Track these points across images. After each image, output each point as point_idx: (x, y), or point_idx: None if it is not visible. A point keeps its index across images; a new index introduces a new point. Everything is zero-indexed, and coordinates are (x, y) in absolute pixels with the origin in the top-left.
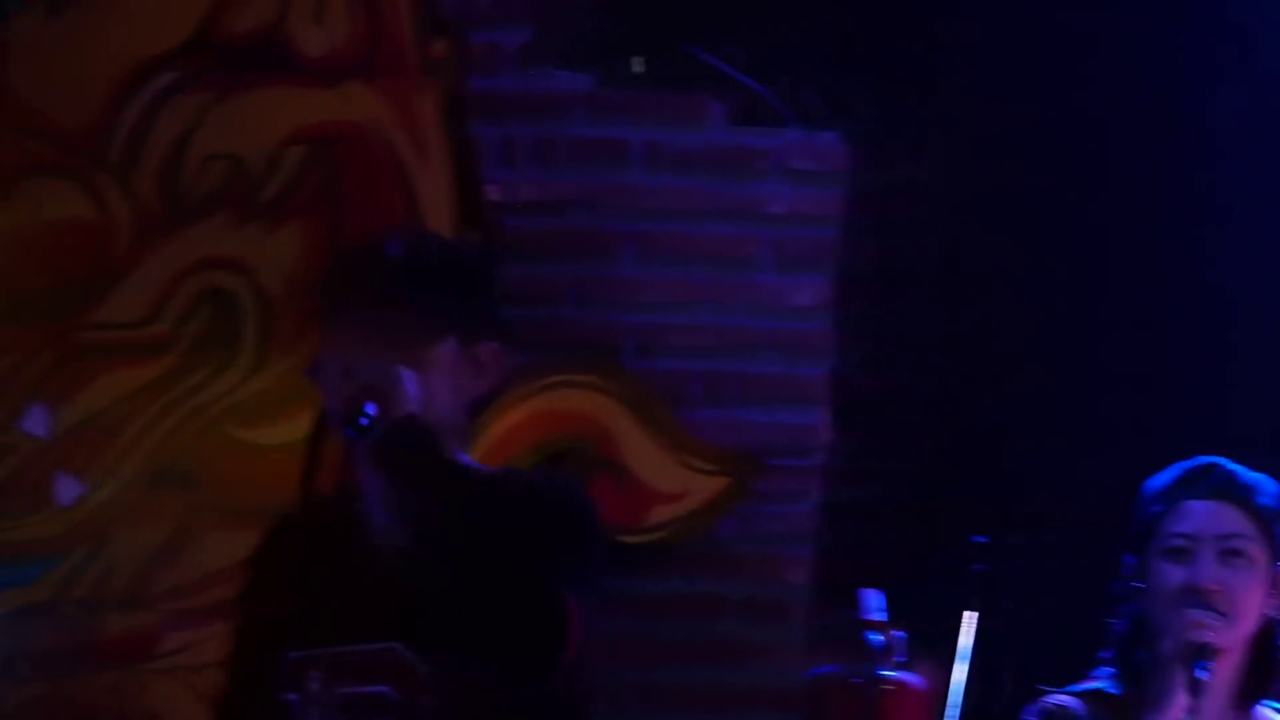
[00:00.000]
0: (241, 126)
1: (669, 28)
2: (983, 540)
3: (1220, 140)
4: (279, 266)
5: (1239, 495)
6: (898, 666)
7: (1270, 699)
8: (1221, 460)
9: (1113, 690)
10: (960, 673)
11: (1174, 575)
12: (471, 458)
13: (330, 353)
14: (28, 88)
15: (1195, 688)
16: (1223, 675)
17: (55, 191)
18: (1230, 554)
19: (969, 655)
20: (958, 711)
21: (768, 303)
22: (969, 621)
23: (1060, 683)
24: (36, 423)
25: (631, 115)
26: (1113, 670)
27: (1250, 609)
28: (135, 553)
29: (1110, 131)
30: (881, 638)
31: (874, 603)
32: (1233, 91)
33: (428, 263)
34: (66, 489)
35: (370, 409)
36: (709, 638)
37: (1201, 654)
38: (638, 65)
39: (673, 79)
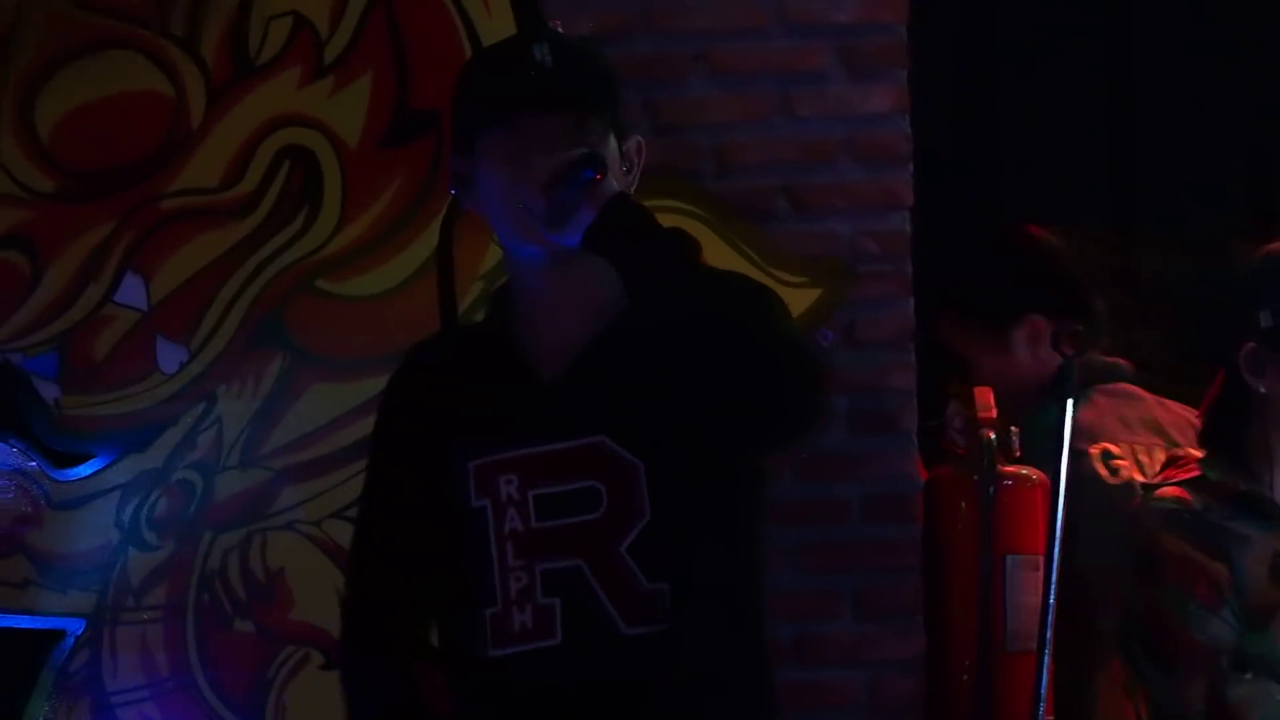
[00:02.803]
0: None
1: None
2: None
3: None
4: (352, 119)
5: None
6: (1013, 462)
7: None
8: None
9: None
10: (1063, 462)
11: None
12: None
13: (492, 164)
14: None
15: None
16: None
17: (123, 64)
18: None
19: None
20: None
21: (841, 111)
22: (1069, 410)
23: None
24: (132, 294)
25: None
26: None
27: None
28: (242, 413)
29: None
30: (994, 434)
31: (982, 400)
32: None
33: (577, 59)
34: (169, 356)
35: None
36: (817, 451)
37: None
38: None
39: None
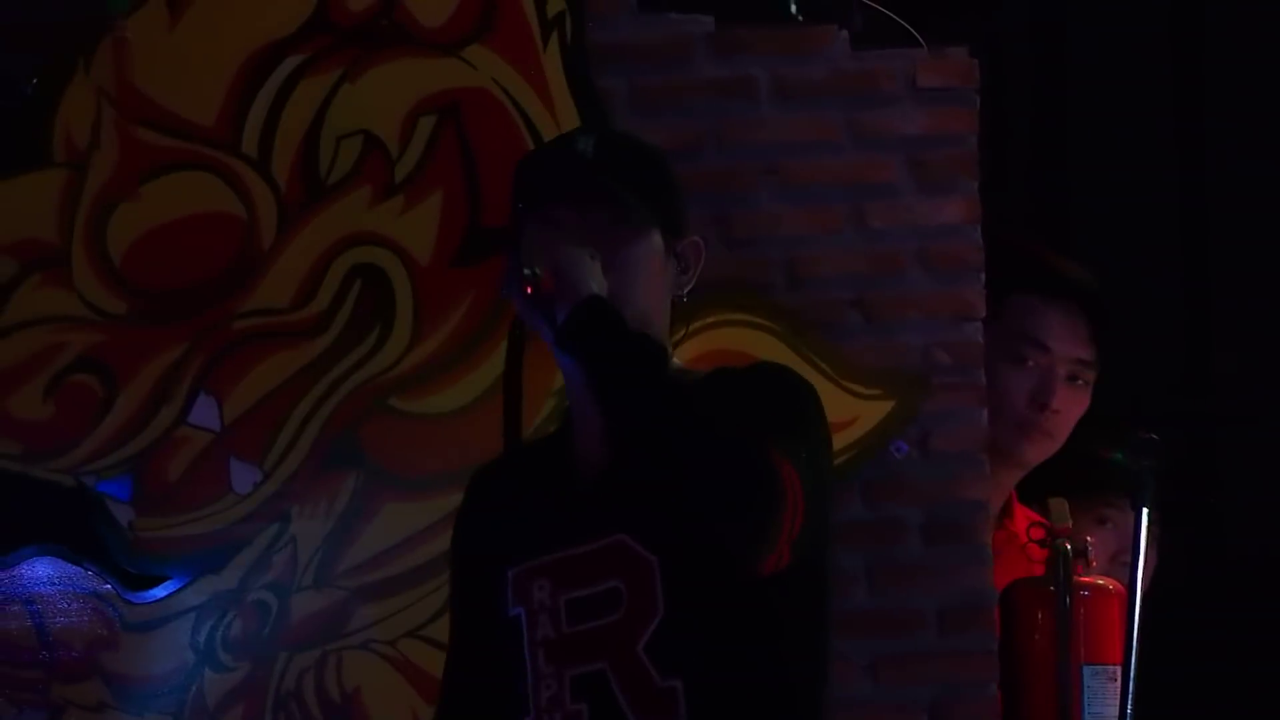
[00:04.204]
0: (369, 102)
1: None
2: (1152, 438)
3: None
4: (423, 237)
5: None
6: (1090, 571)
7: None
8: None
9: None
10: (1139, 570)
11: None
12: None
13: (523, 260)
14: (152, 85)
15: None
16: None
17: (195, 185)
18: None
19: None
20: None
21: (913, 222)
22: (1144, 519)
23: None
24: (205, 415)
25: (755, 50)
26: None
27: None
28: (316, 533)
29: None
30: (1071, 545)
31: (1058, 510)
32: None
33: (622, 154)
34: (242, 477)
35: (538, 277)
36: (893, 563)
37: None
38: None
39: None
